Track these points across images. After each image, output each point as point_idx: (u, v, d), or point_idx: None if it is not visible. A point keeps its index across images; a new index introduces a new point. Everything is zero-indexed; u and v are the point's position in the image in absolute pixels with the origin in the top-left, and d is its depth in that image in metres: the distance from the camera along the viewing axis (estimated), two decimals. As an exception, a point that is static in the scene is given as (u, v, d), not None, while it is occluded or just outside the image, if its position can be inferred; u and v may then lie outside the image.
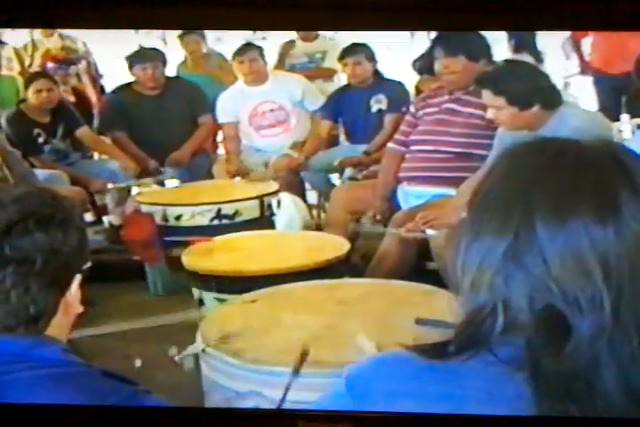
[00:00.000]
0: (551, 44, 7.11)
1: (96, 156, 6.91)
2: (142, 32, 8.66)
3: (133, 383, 1.64)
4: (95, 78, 7.57)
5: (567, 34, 7.17)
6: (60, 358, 1.61)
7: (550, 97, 3.86)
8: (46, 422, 1.47)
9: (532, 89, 3.82)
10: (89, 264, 1.73)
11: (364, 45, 6.01)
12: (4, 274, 1.55)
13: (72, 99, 6.93)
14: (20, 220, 1.57)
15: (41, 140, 6.14)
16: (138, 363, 3.08)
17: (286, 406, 2.34)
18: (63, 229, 1.62)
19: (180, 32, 7.09)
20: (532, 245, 1.20)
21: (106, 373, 1.62)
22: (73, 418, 1.47)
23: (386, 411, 1.29)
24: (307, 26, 2.38)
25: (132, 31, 8.29)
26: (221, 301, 3.67)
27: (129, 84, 6.49)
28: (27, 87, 6.17)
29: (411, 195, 4.62)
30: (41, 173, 5.63)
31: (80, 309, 1.72)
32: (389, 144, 4.90)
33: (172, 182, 5.67)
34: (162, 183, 5.74)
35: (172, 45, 7.73)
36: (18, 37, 7.40)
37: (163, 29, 7.27)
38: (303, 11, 1.62)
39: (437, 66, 4.52)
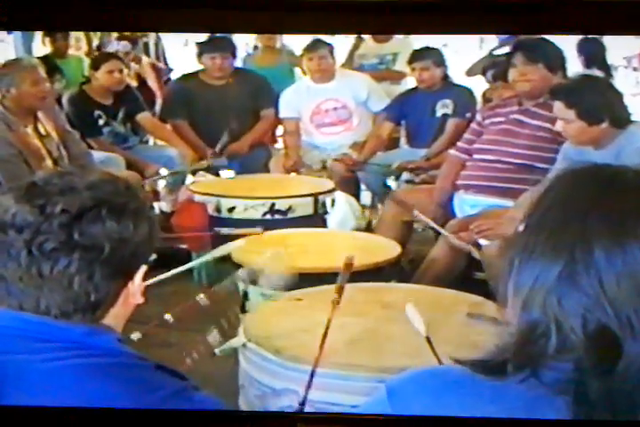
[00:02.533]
0: (619, 59, 7.06)
1: (151, 141, 6.95)
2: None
3: (184, 378, 1.64)
4: (158, 66, 7.62)
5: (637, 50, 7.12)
6: (114, 347, 1.61)
7: (620, 115, 3.84)
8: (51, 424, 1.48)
9: (603, 105, 3.79)
10: (155, 256, 1.72)
11: (434, 50, 6.00)
12: (69, 259, 1.54)
13: (135, 83, 6.97)
14: (92, 206, 1.56)
15: (101, 122, 6.19)
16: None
17: (321, 407, 2.35)
18: (134, 220, 1.61)
19: None
20: (588, 266, 1.22)
21: (159, 366, 1.61)
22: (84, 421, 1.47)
23: (383, 413, 1.29)
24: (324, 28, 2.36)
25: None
26: (266, 296, 3.67)
27: (196, 72, 6.53)
28: (96, 68, 6.19)
29: (467, 203, 4.60)
30: (98, 154, 5.66)
31: (141, 300, 1.71)
32: (451, 151, 4.88)
33: (227, 174, 5.69)
34: (217, 174, 5.76)
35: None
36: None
37: (171, 32, 7.34)
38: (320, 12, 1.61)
39: (513, 73, 4.49)
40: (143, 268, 1.68)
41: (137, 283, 1.68)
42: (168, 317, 3.12)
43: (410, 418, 1.27)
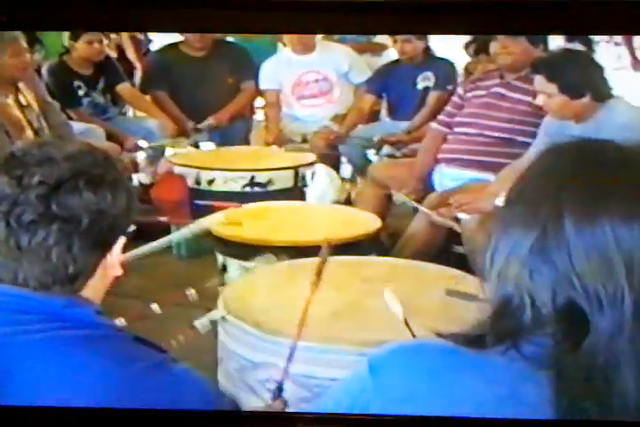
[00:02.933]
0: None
1: (131, 113, 6.92)
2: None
3: (163, 351, 1.64)
4: (138, 37, 7.56)
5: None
6: (92, 320, 1.61)
7: (602, 89, 3.83)
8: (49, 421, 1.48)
9: (585, 79, 3.79)
10: (134, 228, 1.71)
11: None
12: (47, 231, 1.53)
13: (114, 54, 6.92)
14: (70, 178, 1.55)
15: (81, 92, 6.15)
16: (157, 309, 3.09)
17: (301, 380, 2.35)
18: (112, 191, 1.60)
19: None
20: (558, 239, 1.23)
21: (137, 338, 1.61)
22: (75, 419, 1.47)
23: (382, 414, 1.30)
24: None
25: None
26: (245, 269, 3.67)
27: (176, 43, 6.49)
28: (76, 38, 6.14)
29: (447, 177, 4.60)
30: (77, 125, 5.63)
31: (119, 272, 1.70)
32: (433, 124, 4.87)
33: (207, 146, 5.67)
34: (197, 146, 5.74)
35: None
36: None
37: (161, 31, 7.34)
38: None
39: (495, 46, 4.50)
40: (122, 239, 1.67)
41: (115, 255, 1.67)
42: (155, 307, 3.11)
43: (412, 418, 1.27)
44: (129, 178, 1.87)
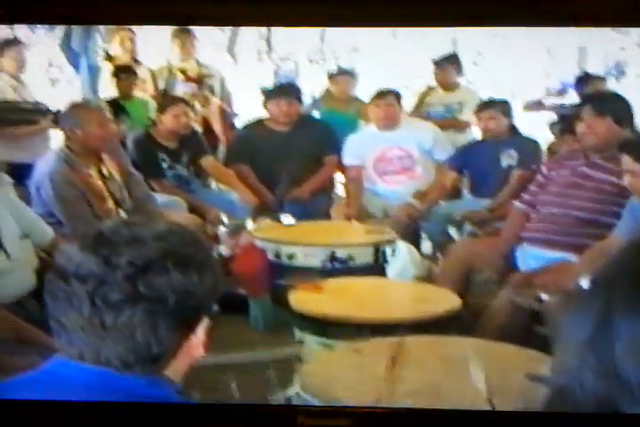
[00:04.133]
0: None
1: (214, 185, 7.01)
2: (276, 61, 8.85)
3: None
4: (226, 110, 7.68)
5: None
6: (174, 400, 1.61)
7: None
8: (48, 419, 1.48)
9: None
10: (218, 309, 1.71)
11: (501, 101, 6.02)
12: (133, 311, 1.53)
13: (200, 127, 7.03)
14: (158, 258, 1.56)
15: (165, 164, 6.25)
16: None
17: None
18: (200, 272, 1.60)
19: (333, 70, 7.42)
20: (610, 330, 1.20)
21: None
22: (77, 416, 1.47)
23: (381, 406, 1.29)
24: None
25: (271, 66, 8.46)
26: (324, 345, 3.66)
27: (261, 118, 6.60)
28: (162, 111, 6.29)
29: (530, 256, 4.55)
30: (160, 197, 5.71)
31: (202, 352, 1.70)
32: (516, 203, 4.85)
33: (288, 219, 5.71)
34: (278, 219, 5.78)
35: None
36: (154, 60, 7.57)
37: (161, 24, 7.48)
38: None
39: (581, 126, 4.47)
40: (206, 320, 1.67)
41: (199, 335, 1.67)
42: (234, 386, 3.11)
43: (409, 411, 1.26)
44: (214, 256, 1.85)
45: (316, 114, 7.45)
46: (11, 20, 1.76)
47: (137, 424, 1.55)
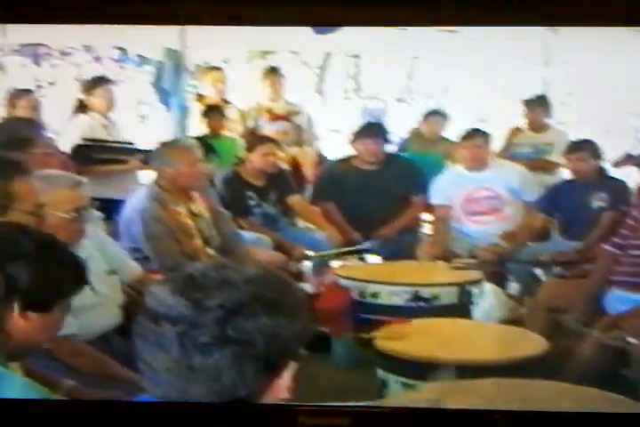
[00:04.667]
0: None
1: (300, 223, 7.05)
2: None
3: None
4: (313, 150, 7.74)
5: None
6: None
7: None
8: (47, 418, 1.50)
9: None
10: (305, 352, 1.71)
11: (591, 142, 5.97)
12: (221, 354, 1.55)
13: (287, 166, 7.10)
14: (248, 302, 1.57)
15: (252, 202, 6.32)
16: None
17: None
18: (289, 316, 1.61)
19: (424, 110, 7.52)
20: None
21: None
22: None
23: (381, 406, 1.27)
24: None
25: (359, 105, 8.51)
26: (406, 385, 3.65)
27: (348, 157, 6.66)
28: (251, 150, 6.37)
29: (619, 300, 4.49)
30: (247, 235, 5.77)
31: (287, 395, 1.69)
32: (606, 246, 4.79)
33: (373, 258, 5.71)
34: (363, 258, 5.79)
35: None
36: (243, 100, 7.67)
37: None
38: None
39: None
40: (293, 365, 1.67)
41: (285, 379, 1.67)
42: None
43: (409, 411, 1.25)
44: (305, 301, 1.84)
45: (404, 153, 7.47)
46: (11, 20, 1.80)
47: (137, 424, 1.57)
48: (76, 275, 2.21)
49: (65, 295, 2.17)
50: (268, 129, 7.25)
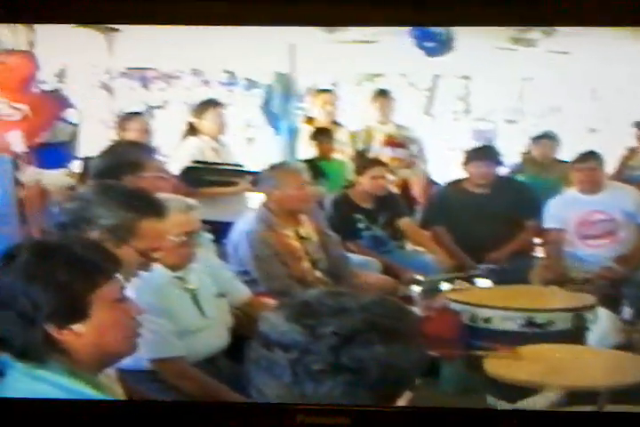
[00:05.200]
0: None
1: (409, 246, 7.03)
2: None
3: None
4: (424, 173, 7.73)
5: None
6: None
7: None
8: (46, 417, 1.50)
9: None
10: (420, 382, 1.69)
11: None
12: (334, 382, 1.55)
13: (398, 190, 7.10)
14: (364, 329, 1.57)
15: (361, 225, 6.33)
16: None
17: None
18: (405, 344, 1.60)
19: (534, 133, 7.50)
20: None
21: None
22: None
23: (381, 406, 1.25)
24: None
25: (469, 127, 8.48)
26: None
27: (459, 180, 6.63)
28: (360, 172, 6.41)
29: None
30: (355, 258, 5.78)
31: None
32: None
33: (484, 282, 5.67)
34: (474, 282, 5.75)
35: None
36: (352, 122, 7.71)
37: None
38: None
39: None
40: (408, 394, 1.65)
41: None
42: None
43: (409, 411, 1.23)
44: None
45: (517, 176, 7.41)
46: (11, 19, 1.83)
47: (138, 424, 1.57)
48: (93, 269, 2.11)
49: (88, 293, 2.08)
50: (385, 154, 7.25)
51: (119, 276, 2.18)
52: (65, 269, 2.03)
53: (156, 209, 2.96)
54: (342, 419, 1.43)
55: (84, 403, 1.60)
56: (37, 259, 2.04)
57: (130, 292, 2.30)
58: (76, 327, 2.03)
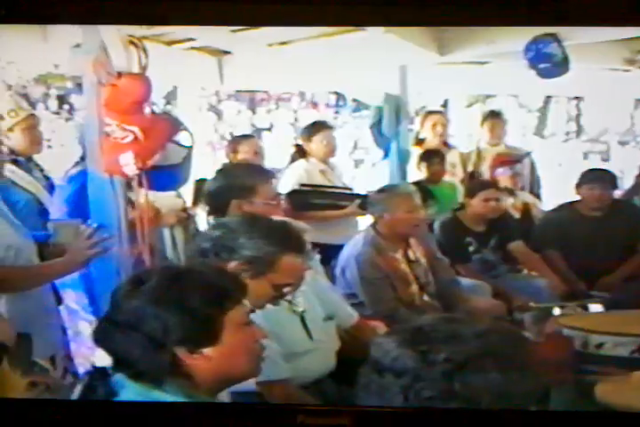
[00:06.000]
0: None
1: (521, 270, 7.00)
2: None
3: None
4: (536, 194, 7.70)
5: None
6: None
7: None
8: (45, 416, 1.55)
9: None
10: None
11: None
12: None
13: (517, 213, 7.07)
14: (478, 356, 1.58)
15: (471, 248, 6.32)
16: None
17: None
18: (520, 373, 1.60)
19: None
20: None
21: None
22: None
23: (380, 405, 1.26)
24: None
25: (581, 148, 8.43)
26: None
27: (572, 202, 6.59)
28: (472, 195, 6.41)
29: None
30: (464, 282, 5.79)
31: None
32: None
33: (596, 307, 5.63)
34: (586, 307, 5.72)
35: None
36: (463, 144, 7.72)
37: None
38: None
39: None
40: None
41: None
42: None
43: (408, 411, 1.25)
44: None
45: (633, 200, 7.34)
46: (11, 20, 1.88)
47: (139, 424, 1.61)
48: (222, 293, 2.16)
49: (219, 316, 2.12)
50: (500, 174, 7.23)
51: (246, 301, 2.23)
52: (196, 294, 2.08)
53: (298, 245, 3.03)
54: (342, 419, 1.47)
55: (88, 403, 1.67)
56: (168, 283, 2.10)
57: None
58: (207, 351, 2.07)
